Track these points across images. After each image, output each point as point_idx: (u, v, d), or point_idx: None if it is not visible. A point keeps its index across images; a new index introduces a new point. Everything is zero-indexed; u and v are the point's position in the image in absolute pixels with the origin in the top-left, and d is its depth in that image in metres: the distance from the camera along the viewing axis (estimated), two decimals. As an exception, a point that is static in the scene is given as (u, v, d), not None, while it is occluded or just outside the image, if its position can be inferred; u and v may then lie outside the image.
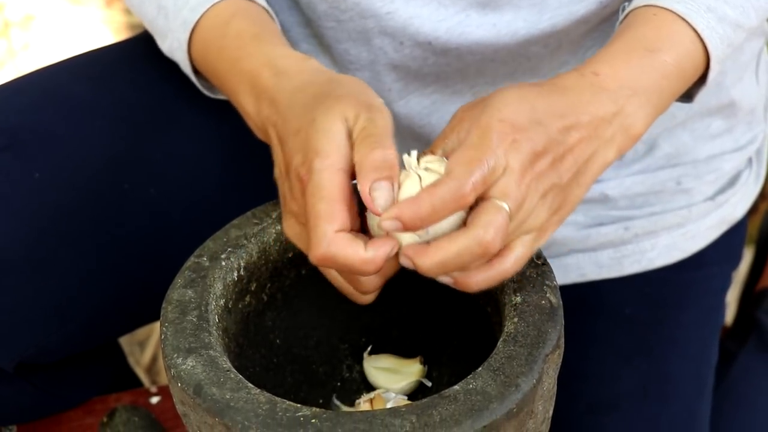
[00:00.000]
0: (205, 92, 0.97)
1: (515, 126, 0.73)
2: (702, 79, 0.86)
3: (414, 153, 0.74)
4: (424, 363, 0.87)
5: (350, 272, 0.76)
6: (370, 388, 0.87)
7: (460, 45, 0.92)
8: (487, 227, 0.71)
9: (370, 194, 0.72)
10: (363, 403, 0.83)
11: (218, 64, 0.89)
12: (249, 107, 0.84)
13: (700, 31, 0.82)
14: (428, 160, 0.74)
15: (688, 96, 0.88)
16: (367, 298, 0.80)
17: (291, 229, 0.79)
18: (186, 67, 0.93)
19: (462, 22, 0.92)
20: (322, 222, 0.72)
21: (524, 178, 0.72)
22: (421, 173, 0.73)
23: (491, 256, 0.73)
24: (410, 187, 0.72)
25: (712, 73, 0.84)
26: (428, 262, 0.72)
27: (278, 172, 0.81)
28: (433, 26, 0.92)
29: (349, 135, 0.74)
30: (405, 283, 0.86)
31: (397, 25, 0.93)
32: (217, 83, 0.90)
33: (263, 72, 0.83)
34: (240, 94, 0.85)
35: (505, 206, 0.72)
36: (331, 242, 0.71)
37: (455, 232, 0.72)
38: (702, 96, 0.87)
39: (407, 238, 0.72)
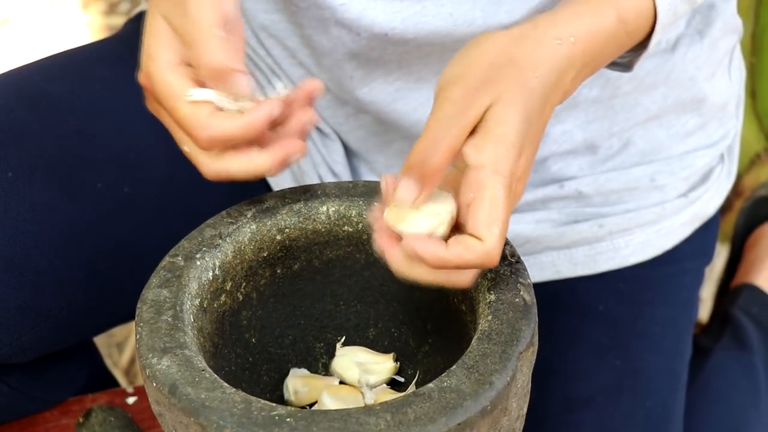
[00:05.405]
0: None
1: (512, 174, 0.72)
2: (642, 46, 0.84)
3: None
4: (397, 360, 0.87)
5: (232, 140, 0.77)
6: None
7: (417, 35, 0.92)
8: (495, 255, 0.71)
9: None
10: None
11: None
12: None
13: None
14: (435, 197, 0.73)
15: (627, 65, 0.87)
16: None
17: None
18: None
19: (418, 13, 0.91)
20: (195, 116, 0.75)
21: (511, 206, 0.73)
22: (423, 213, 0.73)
23: None
24: (414, 222, 0.72)
25: (654, 39, 0.82)
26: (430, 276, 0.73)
27: None
28: (388, 17, 0.92)
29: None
30: (381, 282, 0.87)
31: (352, 16, 0.92)
32: None
33: None
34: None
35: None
36: (209, 121, 0.75)
37: (465, 254, 0.71)
38: (641, 64, 0.87)
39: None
